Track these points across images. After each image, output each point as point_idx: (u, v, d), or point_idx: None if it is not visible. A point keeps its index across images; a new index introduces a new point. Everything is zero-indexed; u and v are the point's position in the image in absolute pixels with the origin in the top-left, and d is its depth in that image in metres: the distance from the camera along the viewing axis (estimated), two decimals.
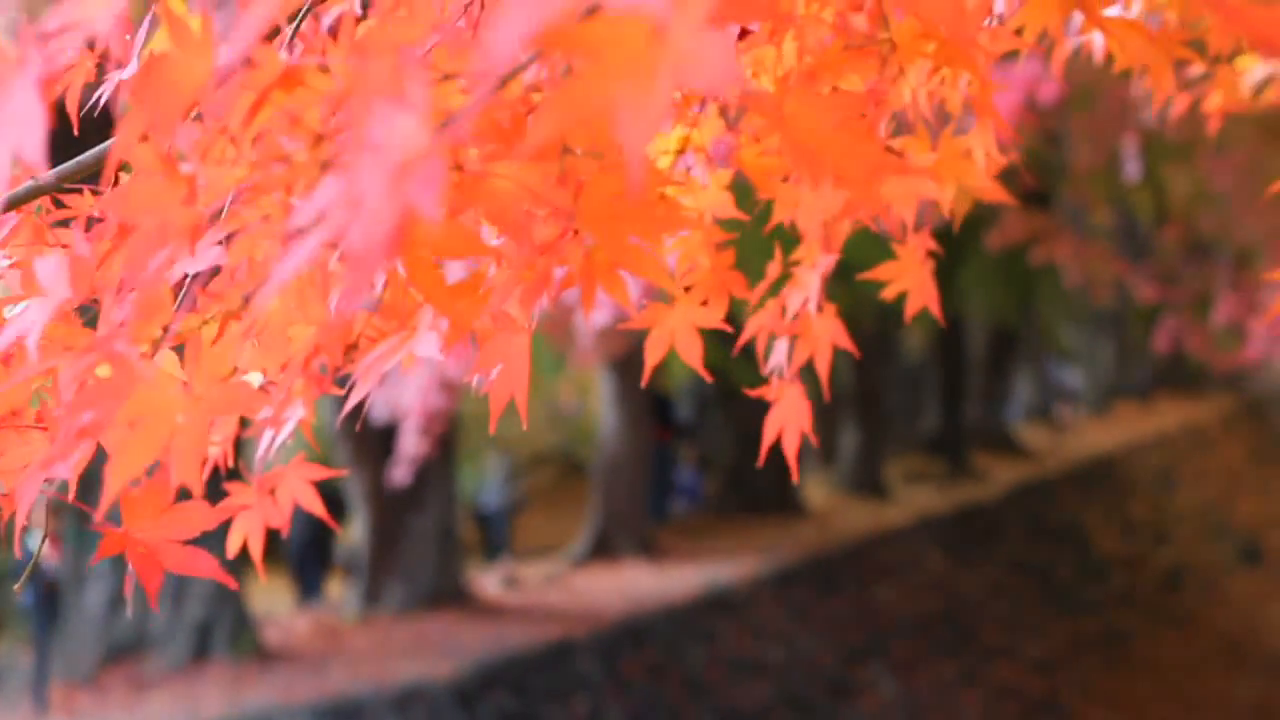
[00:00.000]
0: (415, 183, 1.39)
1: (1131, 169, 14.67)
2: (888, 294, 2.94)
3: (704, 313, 2.61)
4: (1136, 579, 25.63)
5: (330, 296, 2.05)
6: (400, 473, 13.96)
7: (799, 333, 2.78)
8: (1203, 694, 22.03)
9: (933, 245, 2.93)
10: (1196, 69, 4.11)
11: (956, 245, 23.03)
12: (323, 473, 2.45)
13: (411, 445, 13.56)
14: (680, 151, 2.59)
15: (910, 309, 2.95)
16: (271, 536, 2.51)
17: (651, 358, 2.63)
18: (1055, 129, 17.95)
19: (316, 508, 2.45)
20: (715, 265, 2.60)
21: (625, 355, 18.00)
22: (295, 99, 1.79)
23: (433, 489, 16.42)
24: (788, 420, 2.76)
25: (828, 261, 2.79)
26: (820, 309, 2.78)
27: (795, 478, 2.95)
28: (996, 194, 2.85)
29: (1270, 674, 22.96)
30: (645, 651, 15.94)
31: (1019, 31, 2.67)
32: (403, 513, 16.36)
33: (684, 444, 23.07)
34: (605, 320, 11.64)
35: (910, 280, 2.94)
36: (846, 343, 2.77)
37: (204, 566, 2.03)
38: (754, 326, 2.83)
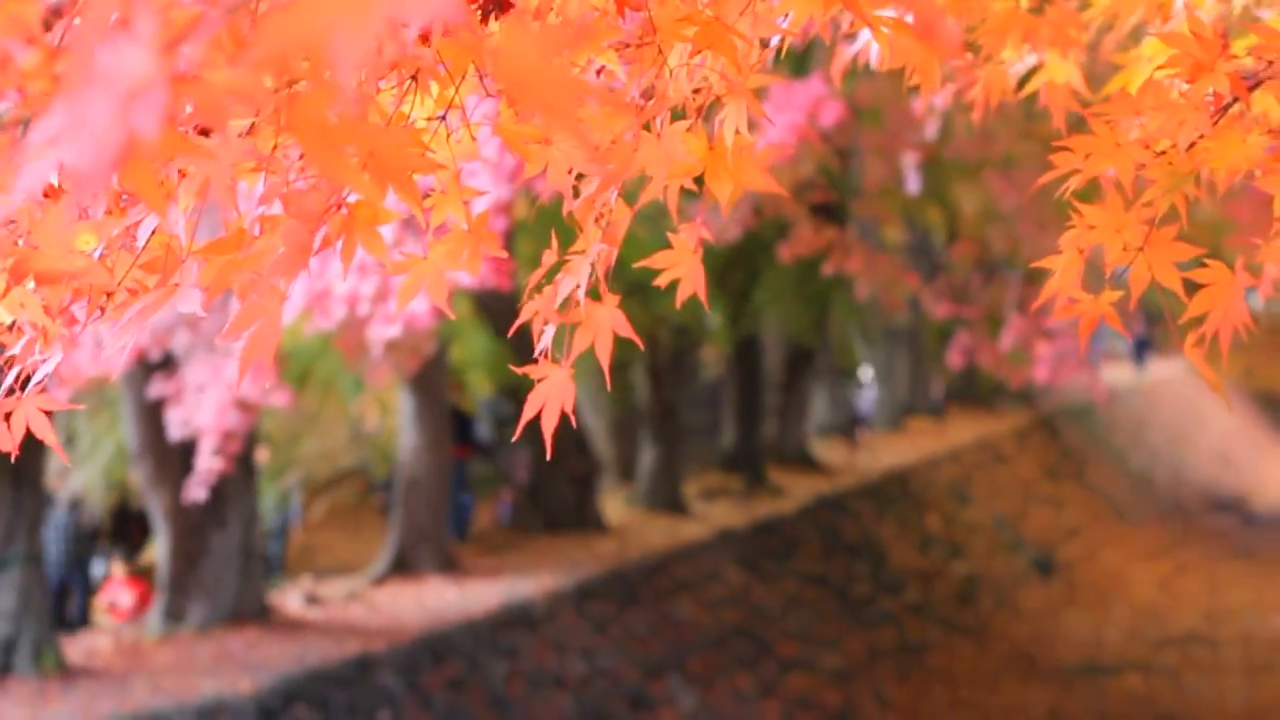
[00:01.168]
0: (139, 110, 1.47)
1: (913, 184, 14.97)
2: (660, 281, 3.00)
3: (456, 261, 2.68)
4: (931, 591, 26.07)
5: (92, 244, 2.09)
6: (196, 491, 13.94)
7: (579, 321, 2.85)
8: (996, 704, 22.45)
9: (707, 235, 3.00)
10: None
11: (752, 262, 23.35)
12: (60, 405, 2.47)
13: (208, 463, 13.54)
14: (442, 116, 2.65)
15: (681, 295, 3.00)
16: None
17: (401, 303, 2.72)
18: (846, 146, 18.27)
19: (49, 438, 2.48)
20: (473, 225, 2.69)
21: (422, 373, 18.09)
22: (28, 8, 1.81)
23: (233, 507, 16.42)
24: (550, 399, 2.81)
25: (605, 251, 2.86)
26: (599, 298, 2.85)
27: (550, 456, 3.01)
28: (770, 185, 2.92)
29: (1062, 683, 23.44)
30: (446, 666, 16.01)
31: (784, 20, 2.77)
32: (204, 531, 16.34)
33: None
34: (394, 334, 11.72)
35: (683, 268, 2.98)
36: (628, 331, 2.84)
37: None
38: (529, 312, 2.90)
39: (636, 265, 3.01)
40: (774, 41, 2.97)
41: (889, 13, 2.78)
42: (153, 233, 2.18)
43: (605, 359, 2.87)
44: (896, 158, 17.47)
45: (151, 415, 14.84)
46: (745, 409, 26.33)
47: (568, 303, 2.88)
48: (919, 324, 34.71)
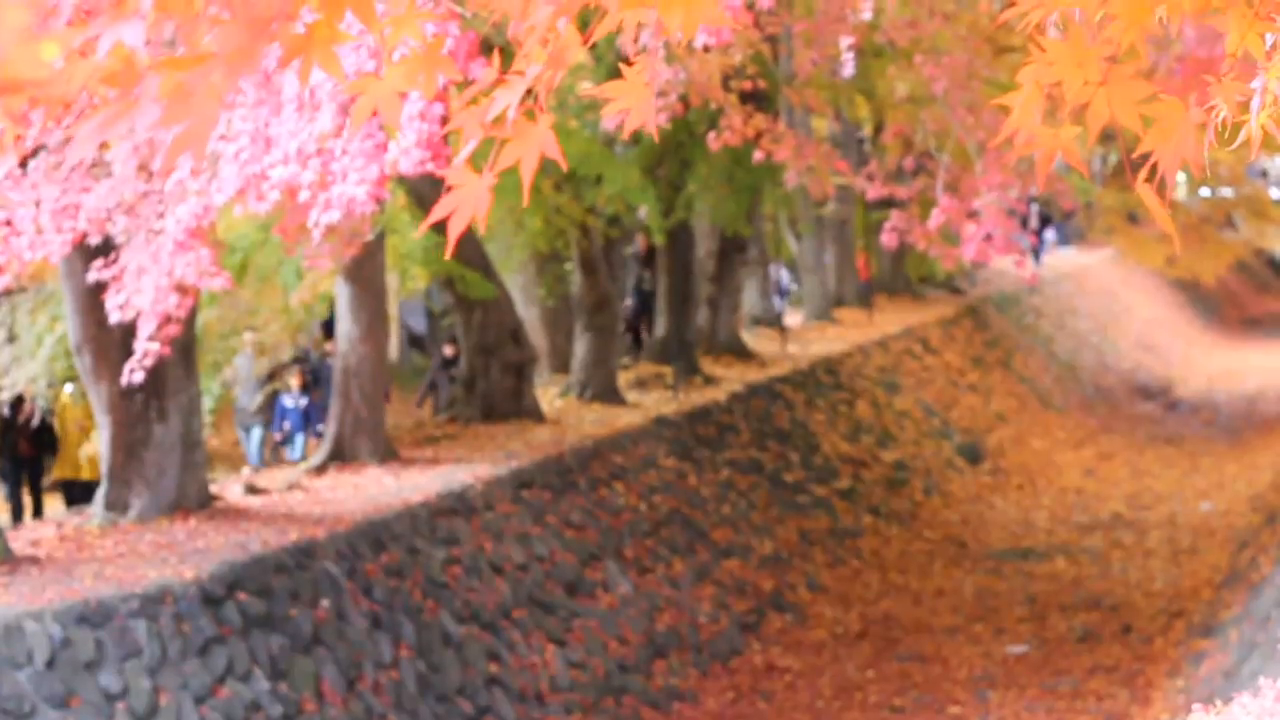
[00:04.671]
0: None
1: (848, 69, 14.98)
2: (607, 112, 2.97)
3: (411, 81, 2.67)
4: (862, 478, 26.29)
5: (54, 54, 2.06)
6: (135, 375, 13.87)
7: (509, 137, 2.81)
8: (927, 587, 22.73)
9: (658, 71, 2.98)
10: None
11: (683, 151, 23.36)
12: None
13: (146, 347, 13.46)
14: None
15: (629, 127, 2.96)
16: None
17: (356, 121, 2.70)
18: (777, 34, 18.24)
19: None
20: (429, 47, 2.69)
21: (358, 263, 18.06)
22: None
23: (174, 398, 16.40)
24: (462, 204, 2.78)
25: (548, 73, 2.83)
26: (531, 117, 2.81)
27: (450, 253, 2.97)
28: (722, 19, 2.89)
29: (991, 567, 23.73)
30: (386, 553, 16.08)
31: None
32: (145, 422, 16.31)
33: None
34: (334, 218, 11.70)
35: (632, 99, 2.94)
36: (555, 153, 2.79)
37: None
38: (458, 122, 2.85)
39: (583, 93, 2.98)
40: None
41: None
42: (110, 50, 2.15)
43: (528, 176, 2.83)
44: (827, 44, 17.45)
45: (92, 305, 14.76)
46: (677, 299, 26.41)
47: (500, 119, 2.84)
48: (849, 215, 34.81)
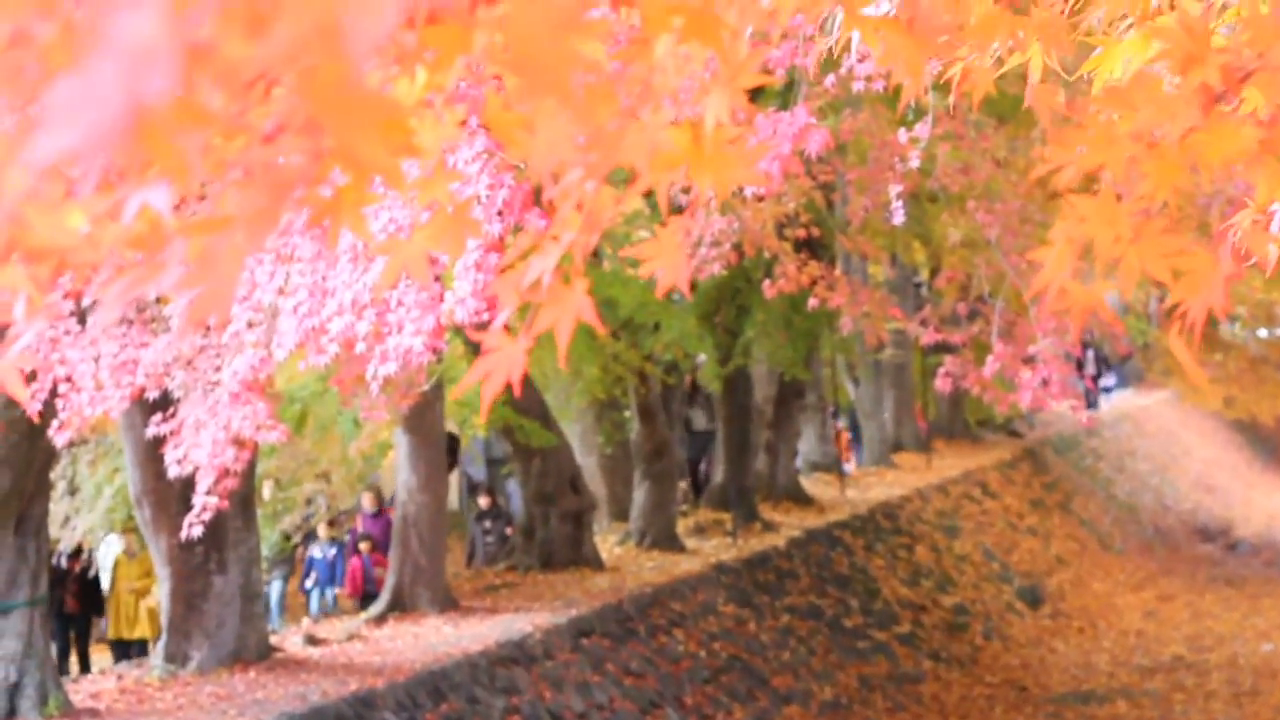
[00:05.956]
0: (147, 76, 1.50)
1: (898, 216, 15.01)
2: (643, 272, 2.97)
3: (439, 242, 2.69)
4: (922, 622, 26.10)
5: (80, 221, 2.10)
6: (193, 529, 13.93)
7: (545, 302, 2.78)
8: None
9: (711, 220, 2.95)
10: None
11: (740, 297, 23.44)
12: (33, 360, 2.42)
13: (204, 501, 13.52)
14: (428, 100, 2.65)
15: (662, 287, 2.95)
16: None
17: (383, 285, 2.71)
18: (830, 180, 18.33)
19: (20, 392, 2.49)
20: (457, 209, 2.72)
21: (416, 412, 18.15)
22: None
23: (233, 549, 16.50)
24: (497, 368, 2.75)
25: (584, 238, 2.83)
26: (566, 281, 2.79)
27: (484, 416, 2.90)
28: (754, 179, 2.88)
29: (1052, 711, 23.48)
30: (446, 703, 16.03)
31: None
32: (205, 573, 16.40)
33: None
34: (391, 370, 11.76)
35: (667, 260, 2.93)
36: (592, 317, 2.75)
37: None
38: (494, 289, 2.85)
39: (621, 253, 2.95)
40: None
41: (875, 10, 2.78)
42: (138, 213, 2.14)
43: (564, 340, 2.78)
44: (880, 191, 17.52)
45: (151, 458, 14.89)
46: (735, 445, 26.40)
47: (536, 284, 2.81)
48: (906, 360, 34.79)
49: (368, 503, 22.08)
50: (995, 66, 4.23)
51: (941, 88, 4.81)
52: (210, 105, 1.90)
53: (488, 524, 23.70)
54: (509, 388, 2.72)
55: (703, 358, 24.68)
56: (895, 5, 3.25)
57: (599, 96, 2.50)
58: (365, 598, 21.13)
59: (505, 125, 2.69)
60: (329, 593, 21.30)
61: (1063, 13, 4.21)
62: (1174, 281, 3.16)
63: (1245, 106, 3.26)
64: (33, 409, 10.40)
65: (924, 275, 34.84)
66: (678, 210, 3.90)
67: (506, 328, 2.77)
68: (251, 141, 2.08)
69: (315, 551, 21.29)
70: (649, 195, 2.86)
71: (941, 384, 17.78)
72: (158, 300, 11.79)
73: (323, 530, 21.38)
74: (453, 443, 23.31)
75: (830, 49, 3.78)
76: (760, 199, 15.03)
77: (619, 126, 2.70)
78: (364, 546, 21.50)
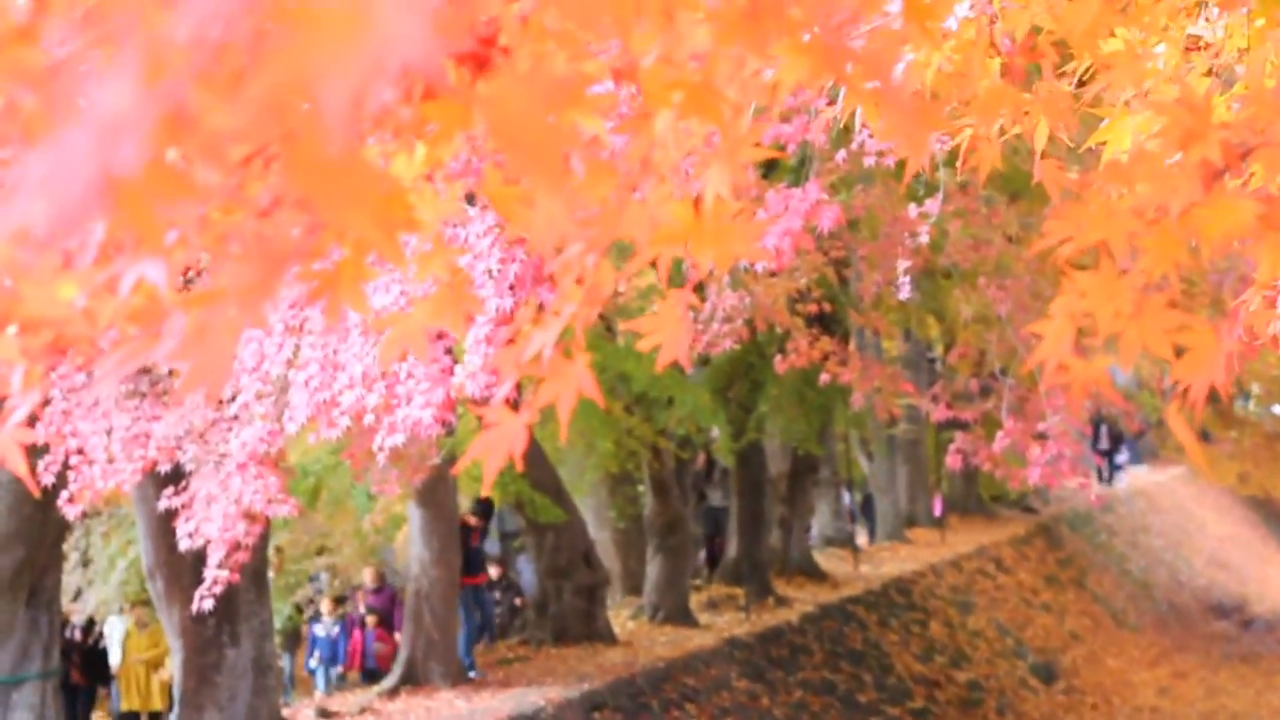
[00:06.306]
0: (119, 146, 1.50)
1: (905, 291, 15.02)
2: (643, 346, 2.94)
3: (439, 317, 2.69)
4: (936, 698, 25.97)
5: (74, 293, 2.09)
6: (204, 602, 13.93)
7: (547, 376, 2.77)
8: None
9: (695, 302, 2.91)
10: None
11: (753, 372, 23.44)
12: (33, 436, 2.42)
13: (216, 574, 13.52)
14: (429, 175, 2.66)
15: (662, 360, 2.93)
16: None
17: (385, 359, 2.69)
18: (842, 255, 18.35)
19: (19, 467, 2.46)
20: (454, 283, 2.71)
21: (429, 486, 18.16)
22: (30, 54, 1.82)
23: (245, 622, 16.47)
24: (499, 443, 2.72)
25: (583, 311, 2.81)
26: (568, 355, 2.77)
27: (486, 490, 2.94)
28: (756, 254, 2.86)
29: None
30: None
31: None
32: (217, 646, 16.37)
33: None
34: (399, 441, 11.76)
35: (668, 333, 2.91)
36: (594, 392, 2.74)
37: None
38: (494, 362, 2.83)
39: (623, 327, 2.94)
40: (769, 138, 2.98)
41: (877, 84, 2.78)
42: (134, 287, 2.15)
43: (564, 416, 2.77)
44: (892, 266, 17.53)
45: (164, 531, 14.88)
46: (749, 519, 26.37)
47: (537, 358, 2.79)
48: (920, 435, 34.74)
49: (369, 578, 22.09)
50: (1002, 140, 4.23)
51: (953, 163, 4.82)
52: (203, 178, 1.91)
53: (498, 595, 23.66)
54: (518, 460, 2.70)
55: (717, 433, 24.67)
56: (899, 77, 3.25)
57: (599, 171, 2.49)
58: (366, 674, 21.13)
59: (505, 200, 2.67)
60: (333, 671, 21.24)
61: (1069, 85, 4.23)
62: (1175, 358, 3.15)
63: (1255, 182, 3.26)
64: (36, 484, 10.38)
65: (938, 351, 34.85)
66: (684, 284, 3.89)
67: (509, 402, 2.76)
68: (248, 215, 2.08)
69: (319, 629, 21.25)
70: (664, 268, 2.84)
71: (952, 461, 17.76)
72: (170, 373, 11.82)
73: (326, 607, 21.35)
74: (488, 506, 23.32)
75: (840, 122, 3.79)
76: (772, 274, 15.05)
77: (619, 201, 2.69)
78: (370, 621, 21.49)
